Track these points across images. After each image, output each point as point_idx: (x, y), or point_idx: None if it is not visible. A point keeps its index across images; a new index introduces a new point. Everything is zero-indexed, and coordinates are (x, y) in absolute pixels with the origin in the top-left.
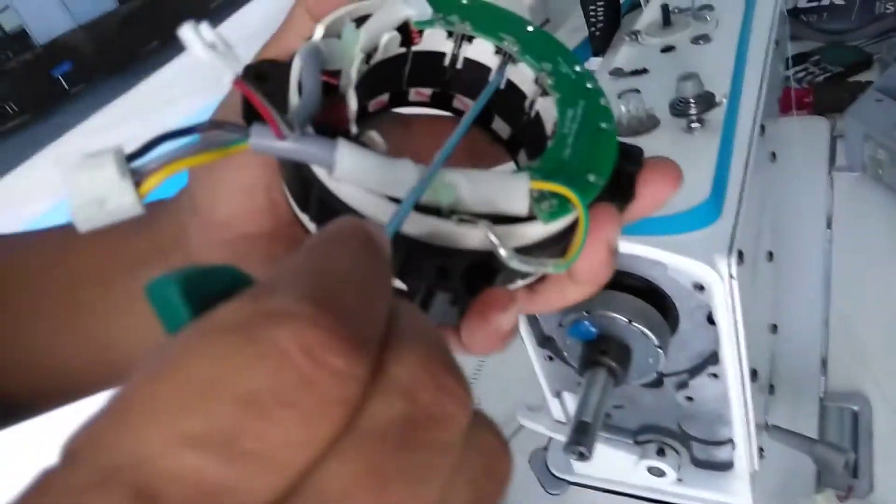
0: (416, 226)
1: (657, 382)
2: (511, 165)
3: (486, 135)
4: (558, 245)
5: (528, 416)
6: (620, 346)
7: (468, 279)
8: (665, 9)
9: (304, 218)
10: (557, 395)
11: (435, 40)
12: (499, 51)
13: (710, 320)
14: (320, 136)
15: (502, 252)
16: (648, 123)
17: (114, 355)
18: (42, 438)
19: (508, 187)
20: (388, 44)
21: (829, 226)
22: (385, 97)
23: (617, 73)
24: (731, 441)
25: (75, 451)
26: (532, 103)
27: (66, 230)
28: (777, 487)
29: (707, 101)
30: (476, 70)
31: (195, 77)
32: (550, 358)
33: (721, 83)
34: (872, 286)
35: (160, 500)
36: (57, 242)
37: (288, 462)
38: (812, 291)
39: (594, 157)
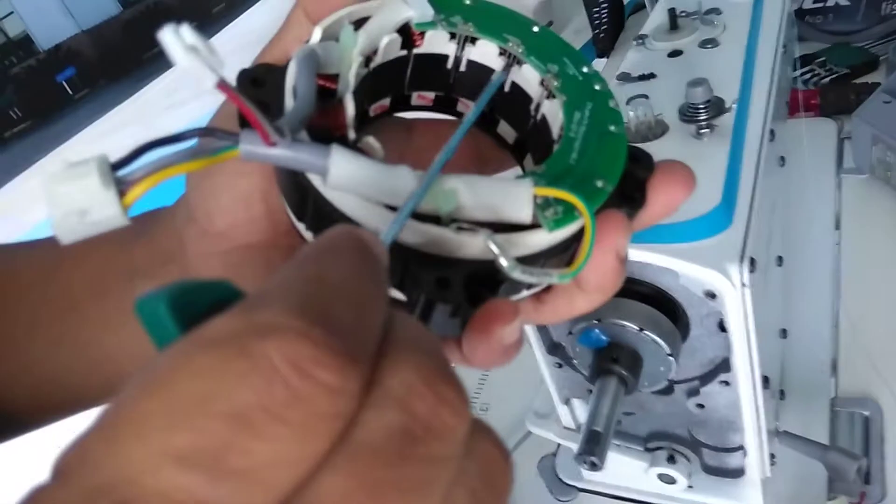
0: (415, 234)
1: (668, 389)
2: (517, 170)
3: (490, 139)
4: (564, 253)
5: (536, 423)
6: (631, 354)
7: (469, 290)
8: (672, 13)
9: (301, 227)
10: (566, 402)
11: (437, 42)
12: (503, 52)
13: (722, 327)
14: (313, 142)
15: (504, 262)
16: (657, 129)
17: (112, 366)
18: (37, 452)
19: (511, 194)
20: (389, 46)
21: (837, 229)
22: (386, 101)
23: (624, 77)
24: (742, 448)
25: (64, 468)
26: (538, 106)
27: None
28: (789, 494)
29: (717, 106)
30: (480, 72)
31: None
32: (559, 365)
33: (730, 88)
34: (882, 289)
35: None
36: (53, 253)
37: (278, 480)
38: (821, 295)
39: (602, 162)
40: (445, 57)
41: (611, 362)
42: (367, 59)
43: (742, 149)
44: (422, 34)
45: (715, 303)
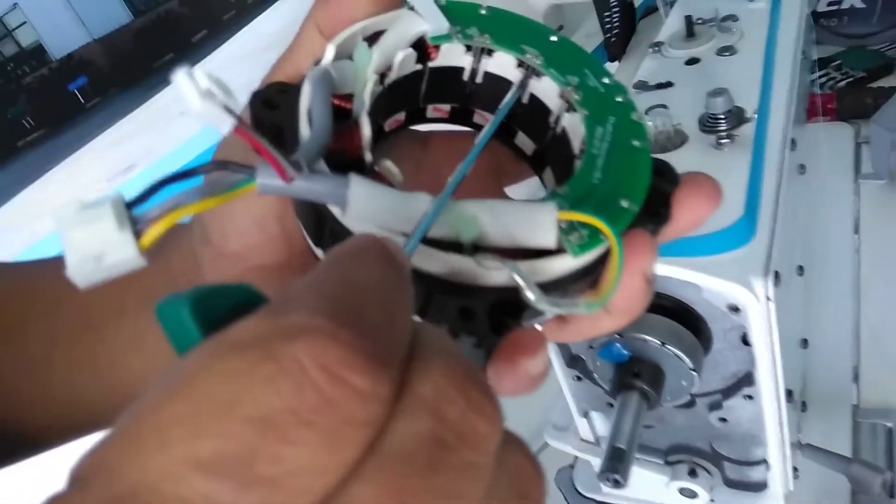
0: (437, 263)
1: (689, 403)
2: (535, 181)
3: (508, 150)
4: (589, 276)
5: (555, 436)
6: (653, 368)
7: (494, 318)
8: (689, 20)
9: (319, 253)
10: (585, 414)
11: (453, 55)
12: (521, 64)
13: (745, 341)
14: (331, 173)
15: (530, 295)
16: (676, 140)
17: (131, 388)
18: (52, 462)
19: (534, 219)
20: (404, 62)
21: (856, 234)
22: (401, 116)
23: (641, 86)
24: (765, 461)
25: (82, 476)
26: (558, 119)
27: None
28: None
29: (737, 116)
30: (497, 84)
31: None
32: (579, 378)
33: (749, 97)
34: None
35: None
36: None
37: (307, 488)
38: (841, 303)
39: (627, 180)
40: (461, 69)
41: (632, 377)
42: (382, 76)
43: (763, 159)
44: (437, 47)
45: (739, 317)
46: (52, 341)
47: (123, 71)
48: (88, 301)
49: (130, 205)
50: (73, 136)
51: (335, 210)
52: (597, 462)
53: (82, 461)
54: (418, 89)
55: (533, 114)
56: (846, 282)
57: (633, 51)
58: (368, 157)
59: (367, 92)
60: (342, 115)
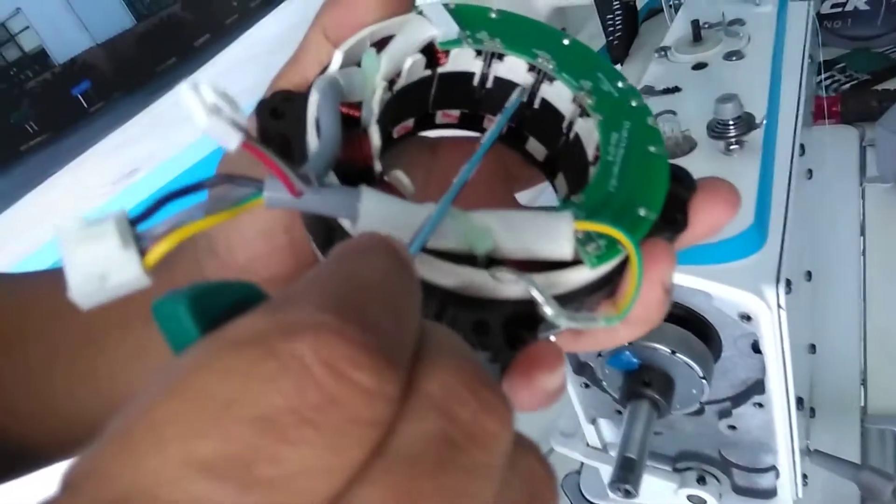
0: (450, 277)
1: (698, 411)
2: (546, 186)
3: (519, 156)
4: (607, 287)
5: (562, 442)
6: (663, 377)
7: (509, 332)
8: (695, 24)
9: None
10: (593, 421)
11: (463, 60)
12: (532, 68)
13: (755, 349)
14: (341, 186)
15: (548, 311)
16: (685, 146)
17: None
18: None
19: (550, 230)
20: (413, 68)
21: (862, 241)
22: (410, 122)
23: (648, 91)
24: (774, 468)
25: (73, 481)
26: (570, 124)
27: None
28: None
29: (747, 122)
30: (508, 88)
31: None
32: (587, 385)
33: (758, 102)
34: None
35: None
36: None
37: (310, 491)
38: (848, 307)
39: (644, 187)
40: (471, 74)
41: (642, 386)
42: (391, 82)
43: (773, 165)
44: (446, 53)
45: (750, 325)
46: (51, 354)
47: (126, 75)
48: (89, 313)
49: (134, 221)
50: (76, 141)
51: (345, 223)
52: (605, 468)
53: (74, 465)
54: (427, 95)
55: (544, 119)
56: (852, 285)
57: (635, 53)
58: (378, 166)
59: (375, 100)
60: (350, 123)
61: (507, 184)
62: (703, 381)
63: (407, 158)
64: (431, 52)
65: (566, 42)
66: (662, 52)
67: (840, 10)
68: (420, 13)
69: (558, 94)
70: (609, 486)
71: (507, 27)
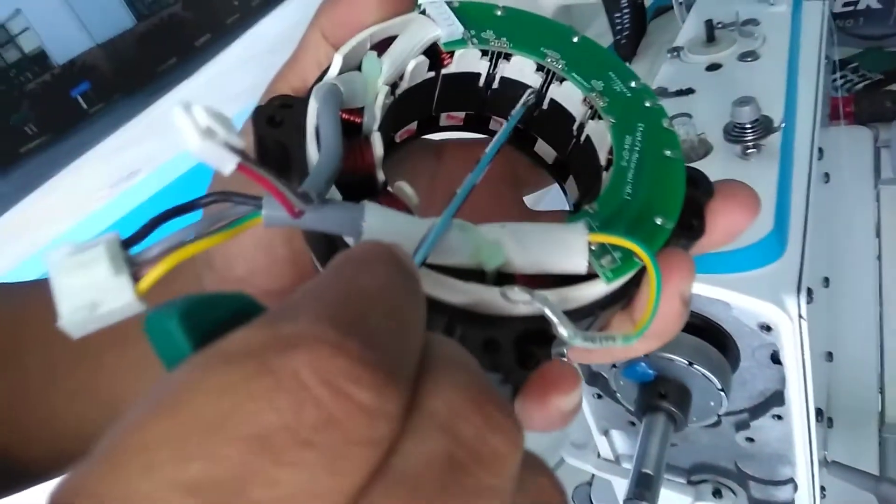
0: (458, 294)
1: (715, 422)
2: (556, 189)
3: (527, 158)
4: (622, 300)
5: (573, 454)
6: (680, 388)
7: (520, 350)
8: (709, 24)
9: None
10: (605, 432)
11: (468, 61)
12: (541, 68)
13: (775, 359)
14: (343, 203)
15: (564, 332)
16: (700, 149)
17: None
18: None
19: (563, 243)
20: (416, 70)
21: (878, 244)
22: (413, 125)
23: (661, 92)
24: (792, 481)
25: (61, 501)
26: (581, 126)
27: None
28: None
29: (765, 126)
30: (515, 89)
31: (214, 94)
32: (599, 396)
33: (774, 104)
34: None
35: None
36: None
37: None
38: (865, 312)
39: (660, 194)
40: (477, 75)
41: (658, 398)
42: (393, 86)
43: (791, 169)
44: (451, 54)
45: (770, 335)
46: (49, 368)
47: (126, 76)
48: None
49: (127, 244)
50: (75, 143)
51: (349, 239)
52: (617, 481)
53: (61, 486)
54: (431, 97)
55: (554, 121)
56: (869, 291)
57: (643, 52)
58: (381, 175)
59: (377, 105)
60: (352, 130)
61: (514, 187)
62: (722, 393)
63: (410, 163)
64: (435, 54)
65: (576, 40)
66: (675, 53)
67: (852, 8)
68: (423, 12)
69: (568, 94)
70: (625, 502)
71: (513, 25)
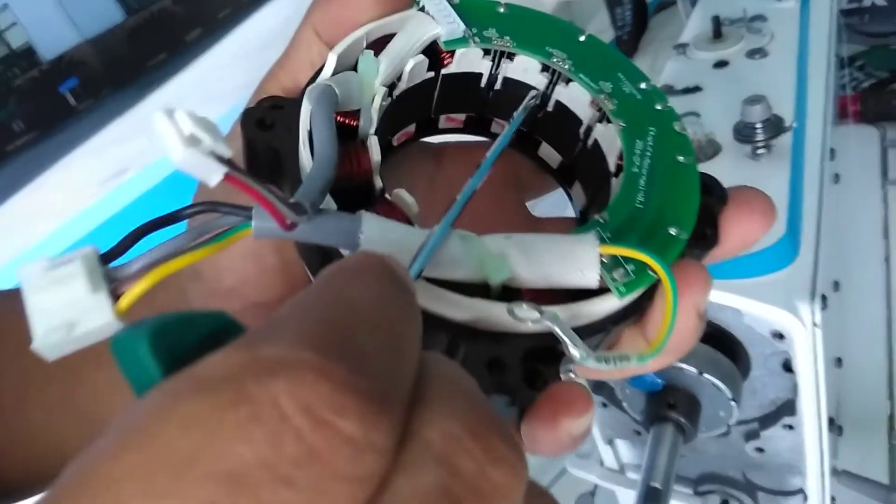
0: (461, 310)
1: (724, 432)
2: (560, 194)
3: (530, 162)
4: (634, 314)
5: (577, 464)
6: (689, 398)
7: (528, 368)
8: (717, 21)
9: None
10: (610, 442)
11: (469, 60)
12: (546, 68)
13: (787, 367)
14: (339, 213)
15: (576, 353)
16: (709, 150)
17: None
18: None
19: (573, 256)
20: (415, 70)
21: (886, 246)
22: (411, 128)
23: (667, 90)
24: (801, 491)
25: None
26: (589, 130)
27: None
28: None
29: (776, 126)
30: (518, 90)
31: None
32: (604, 404)
33: (784, 103)
34: None
35: None
36: None
37: None
38: (874, 317)
39: (674, 202)
40: (479, 76)
41: (667, 408)
42: (391, 87)
43: (803, 171)
44: (451, 53)
45: (782, 343)
46: (24, 383)
47: (116, 72)
48: None
49: (106, 258)
50: (64, 139)
51: (345, 252)
52: (621, 491)
53: None
54: (430, 99)
55: (559, 123)
56: (878, 293)
57: (645, 48)
58: (378, 182)
59: (374, 107)
60: (347, 134)
61: (516, 192)
62: (732, 402)
63: (408, 168)
64: (435, 53)
65: (583, 39)
66: (681, 49)
67: (857, 5)
68: (421, 9)
69: (575, 96)
70: None
71: (517, 23)
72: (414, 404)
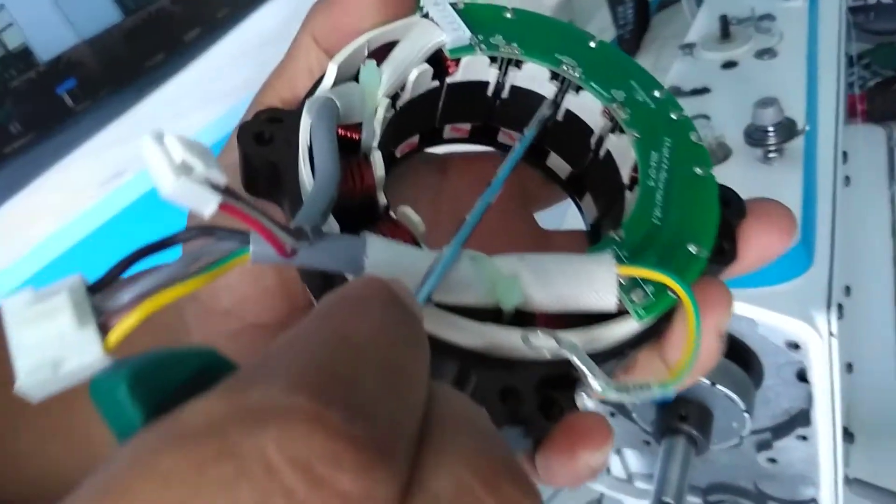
0: (472, 336)
1: (736, 443)
2: (569, 204)
3: (538, 172)
4: (652, 337)
5: None
6: (701, 410)
7: (543, 396)
8: (724, 20)
9: None
10: (618, 451)
11: (475, 69)
12: (555, 76)
13: (801, 377)
14: (342, 236)
15: (596, 385)
16: (719, 153)
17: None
18: None
19: (590, 278)
20: (419, 80)
21: (894, 248)
22: (415, 139)
23: (675, 92)
24: (813, 501)
25: None
26: (600, 140)
27: None
28: None
29: (788, 129)
30: (526, 98)
31: (204, 89)
32: (613, 414)
33: (795, 105)
34: None
35: None
36: None
37: None
38: (883, 320)
39: (692, 217)
40: (485, 84)
41: (678, 420)
42: (393, 98)
43: (815, 175)
44: (457, 61)
45: (797, 353)
46: (16, 410)
47: (113, 73)
48: None
49: (94, 289)
50: (61, 141)
51: (349, 276)
52: (628, 501)
53: None
54: (435, 108)
55: (569, 133)
56: (887, 296)
57: (647, 47)
58: (382, 199)
59: (377, 120)
60: (349, 147)
61: (524, 203)
62: (746, 414)
63: (411, 180)
64: (439, 61)
65: (593, 45)
66: (688, 50)
67: (863, 2)
68: (425, 16)
69: (585, 105)
70: None
71: (525, 29)
72: (421, 446)
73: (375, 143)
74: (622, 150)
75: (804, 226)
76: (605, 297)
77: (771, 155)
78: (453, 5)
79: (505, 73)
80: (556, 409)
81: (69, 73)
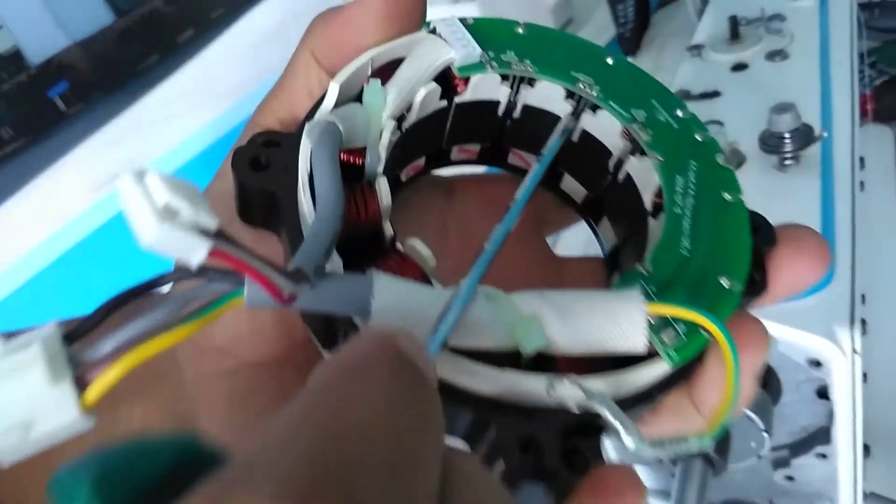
0: (489, 383)
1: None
2: (583, 226)
3: (551, 195)
4: (683, 379)
5: None
6: None
7: (567, 446)
8: (734, 21)
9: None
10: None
11: (485, 87)
12: (571, 94)
13: (821, 394)
14: (346, 276)
15: (630, 443)
16: (733, 160)
17: None
18: None
19: (616, 318)
20: (426, 100)
21: None
22: (421, 161)
23: (684, 95)
24: None
25: None
26: (620, 163)
27: None
28: None
29: (805, 135)
30: (538, 118)
31: (198, 91)
32: None
33: (809, 108)
34: None
35: None
36: None
37: None
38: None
39: (723, 248)
40: (496, 104)
41: None
42: (399, 119)
43: (833, 183)
44: (466, 79)
45: (819, 371)
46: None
47: (106, 75)
48: None
49: (71, 337)
50: (54, 145)
51: (356, 319)
52: None
53: None
54: (442, 129)
55: (586, 155)
56: None
57: (647, 46)
58: (389, 229)
59: (382, 144)
60: (352, 173)
61: (536, 227)
62: (765, 434)
63: (417, 204)
64: (447, 79)
65: (611, 62)
66: (696, 51)
67: (867, 0)
68: (432, 31)
69: (603, 125)
70: None
71: (538, 45)
72: None
73: (381, 169)
74: (643, 173)
75: (824, 236)
76: (633, 338)
77: (787, 162)
78: (462, 20)
79: (517, 92)
80: (580, 460)
81: (61, 75)
